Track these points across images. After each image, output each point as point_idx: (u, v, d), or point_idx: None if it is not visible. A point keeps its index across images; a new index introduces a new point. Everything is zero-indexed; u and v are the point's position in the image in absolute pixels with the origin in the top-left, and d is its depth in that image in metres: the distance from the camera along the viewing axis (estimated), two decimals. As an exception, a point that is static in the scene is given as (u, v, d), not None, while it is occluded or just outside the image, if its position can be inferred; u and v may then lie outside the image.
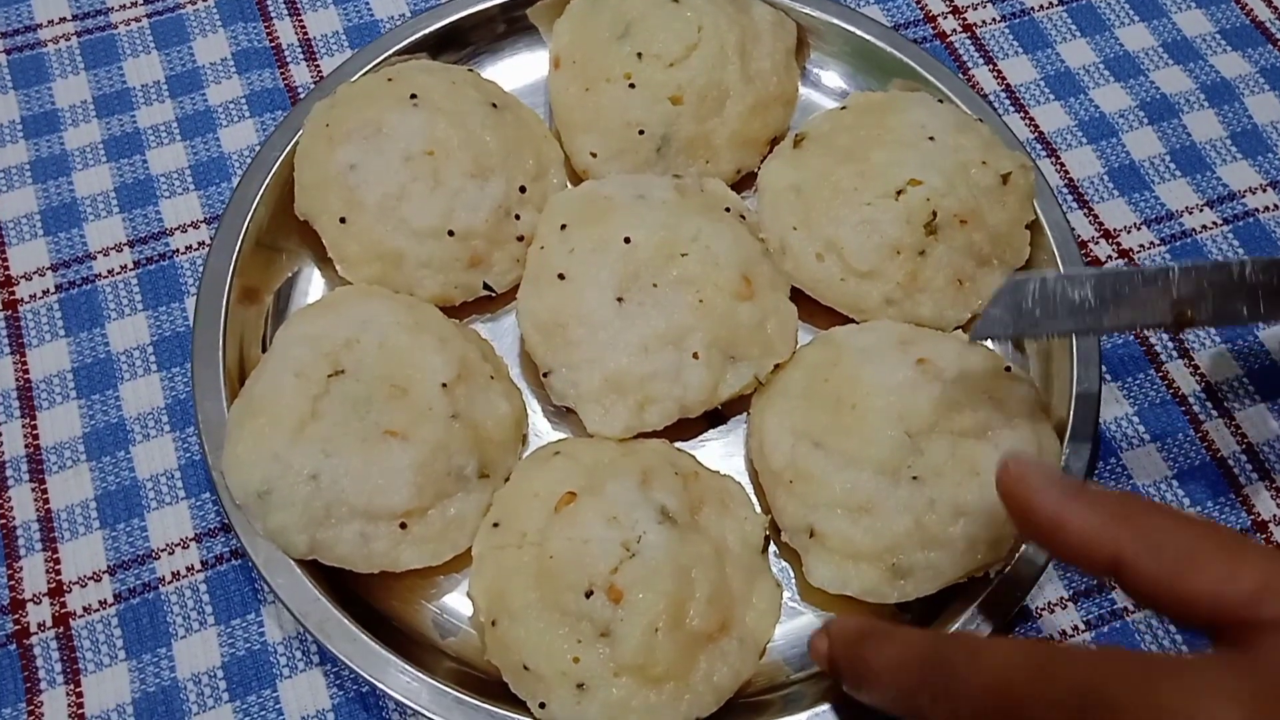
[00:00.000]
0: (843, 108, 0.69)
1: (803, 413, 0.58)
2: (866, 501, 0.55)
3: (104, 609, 0.59)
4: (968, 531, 0.55)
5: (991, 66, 0.79)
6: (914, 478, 0.55)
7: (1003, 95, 0.78)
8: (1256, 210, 0.74)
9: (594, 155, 0.68)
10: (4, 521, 0.61)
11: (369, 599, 0.59)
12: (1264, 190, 0.74)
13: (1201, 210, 0.74)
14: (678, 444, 0.62)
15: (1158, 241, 0.72)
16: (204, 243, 0.70)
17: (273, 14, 0.79)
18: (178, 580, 0.60)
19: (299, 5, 0.80)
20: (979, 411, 0.57)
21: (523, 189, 0.65)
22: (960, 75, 0.77)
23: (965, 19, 0.81)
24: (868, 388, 0.57)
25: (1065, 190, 0.74)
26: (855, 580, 0.56)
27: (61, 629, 0.59)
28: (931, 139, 0.64)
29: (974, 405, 0.57)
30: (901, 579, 0.56)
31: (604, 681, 0.52)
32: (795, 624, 0.59)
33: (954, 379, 0.57)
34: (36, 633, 0.58)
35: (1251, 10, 0.82)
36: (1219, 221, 0.73)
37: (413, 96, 0.65)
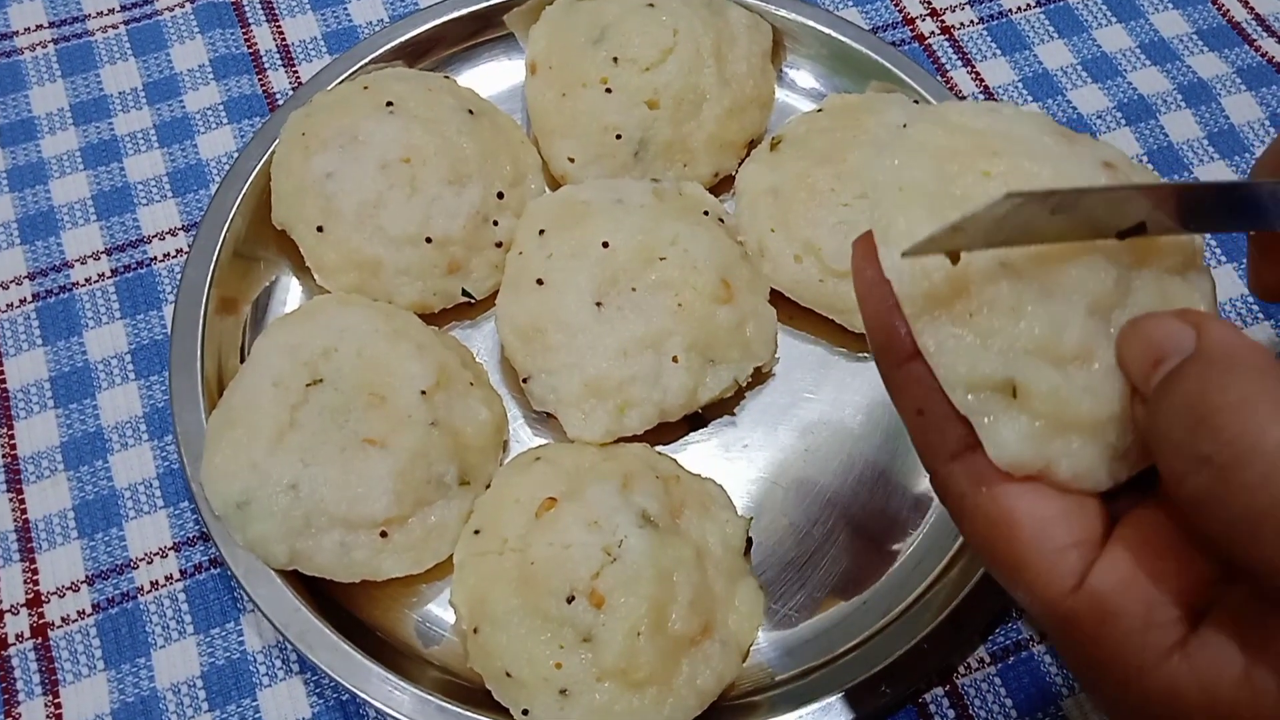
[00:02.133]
0: (819, 110, 0.70)
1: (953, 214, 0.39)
2: (1082, 347, 0.38)
3: (82, 619, 0.59)
4: None
5: (970, 68, 0.79)
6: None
7: (981, 97, 0.78)
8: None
9: (571, 160, 0.68)
10: (-19, 533, 0.61)
11: (350, 608, 0.58)
12: (1240, 189, 0.75)
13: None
14: (658, 448, 0.62)
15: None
16: (182, 250, 0.70)
17: (250, 20, 0.79)
18: (157, 590, 0.60)
19: (277, 11, 0.80)
20: (1180, 242, 0.41)
21: (500, 195, 0.65)
22: (938, 77, 0.77)
23: (943, 21, 0.81)
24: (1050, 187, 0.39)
25: (1043, 191, 0.74)
26: (1067, 458, 0.38)
27: (40, 639, 0.58)
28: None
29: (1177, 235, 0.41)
30: (1121, 457, 0.39)
31: (587, 687, 0.52)
32: (776, 627, 0.59)
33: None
34: (14, 643, 0.58)
35: (1228, 11, 0.82)
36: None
37: (389, 104, 0.65)
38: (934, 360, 0.37)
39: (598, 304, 0.60)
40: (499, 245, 0.65)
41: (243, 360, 0.63)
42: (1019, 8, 0.82)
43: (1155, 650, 0.34)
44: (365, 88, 0.67)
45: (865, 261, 0.39)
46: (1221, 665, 0.33)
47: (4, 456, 0.63)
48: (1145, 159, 0.76)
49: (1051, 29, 0.81)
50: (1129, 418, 0.38)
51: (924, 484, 0.63)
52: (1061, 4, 0.82)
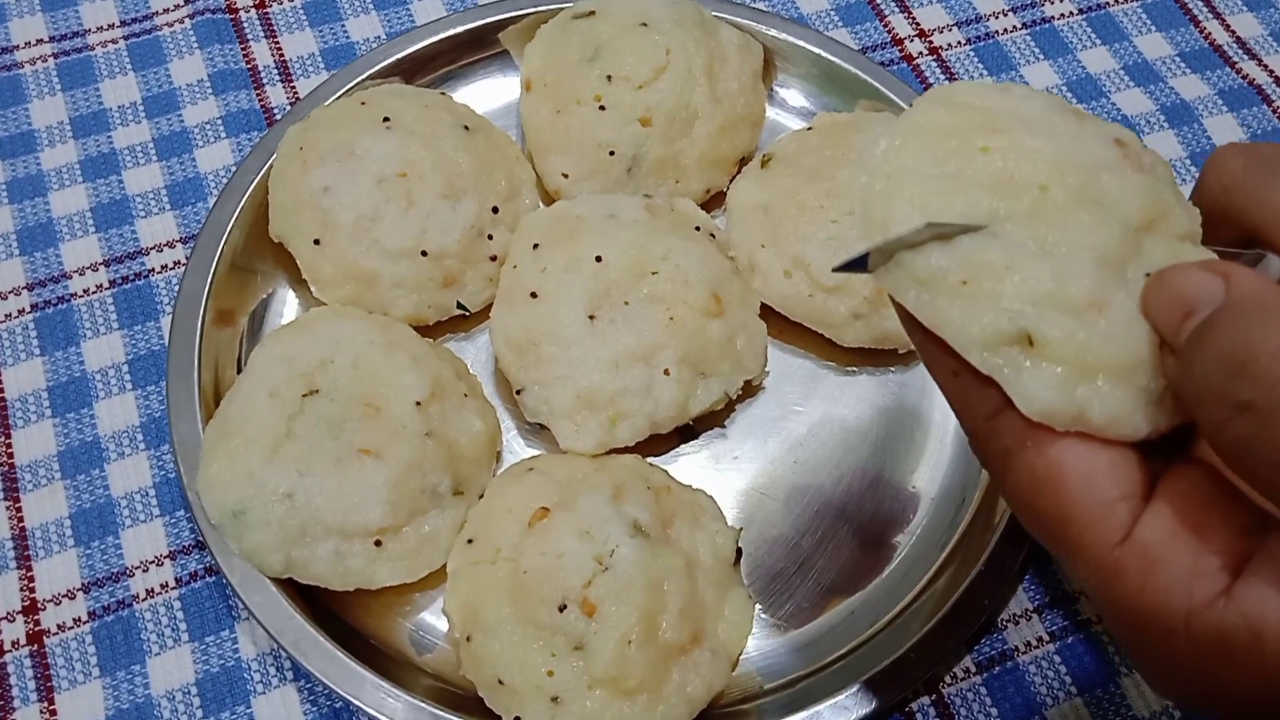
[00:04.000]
0: (809, 128, 0.71)
1: (945, 197, 0.39)
2: (1095, 296, 0.37)
3: (78, 626, 0.59)
4: None
5: (957, 88, 0.80)
6: (1147, 274, 0.38)
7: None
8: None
9: (565, 176, 0.69)
10: (-22, 541, 0.62)
11: (345, 616, 0.59)
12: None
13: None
14: (650, 459, 0.63)
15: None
16: (179, 262, 0.71)
17: (249, 36, 0.80)
18: (152, 597, 0.60)
19: (275, 28, 0.81)
20: (1191, 218, 0.41)
21: (495, 209, 0.66)
22: (926, 97, 0.79)
23: (931, 42, 0.83)
24: (1053, 166, 0.39)
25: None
26: (1098, 401, 0.37)
27: (35, 647, 0.59)
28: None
29: (1183, 210, 0.41)
30: (1158, 403, 0.38)
31: (578, 694, 0.53)
32: (765, 636, 0.60)
33: (1159, 178, 0.41)
34: (10, 650, 0.58)
35: (1210, 34, 0.84)
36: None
37: (385, 119, 0.66)
38: (943, 333, 0.38)
39: (590, 317, 0.61)
40: (493, 259, 0.66)
41: (239, 371, 0.64)
42: (1005, 30, 0.84)
43: (1202, 597, 0.34)
44: (362, 103, 0.68)
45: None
46: (1266, 608, 0.33)
47: (2, 465, 0.63)
48: (1129, 178, 0.77)
49: (1037, 50, 0.83)
50: (1159, 363, 0.37)
51: (912, 494, 0.64)
52: (1047, 26, 0.84)
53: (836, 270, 0.39)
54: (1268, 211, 0.41)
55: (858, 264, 0.38)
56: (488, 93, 0.76)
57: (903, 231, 0.37)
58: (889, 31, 0.83)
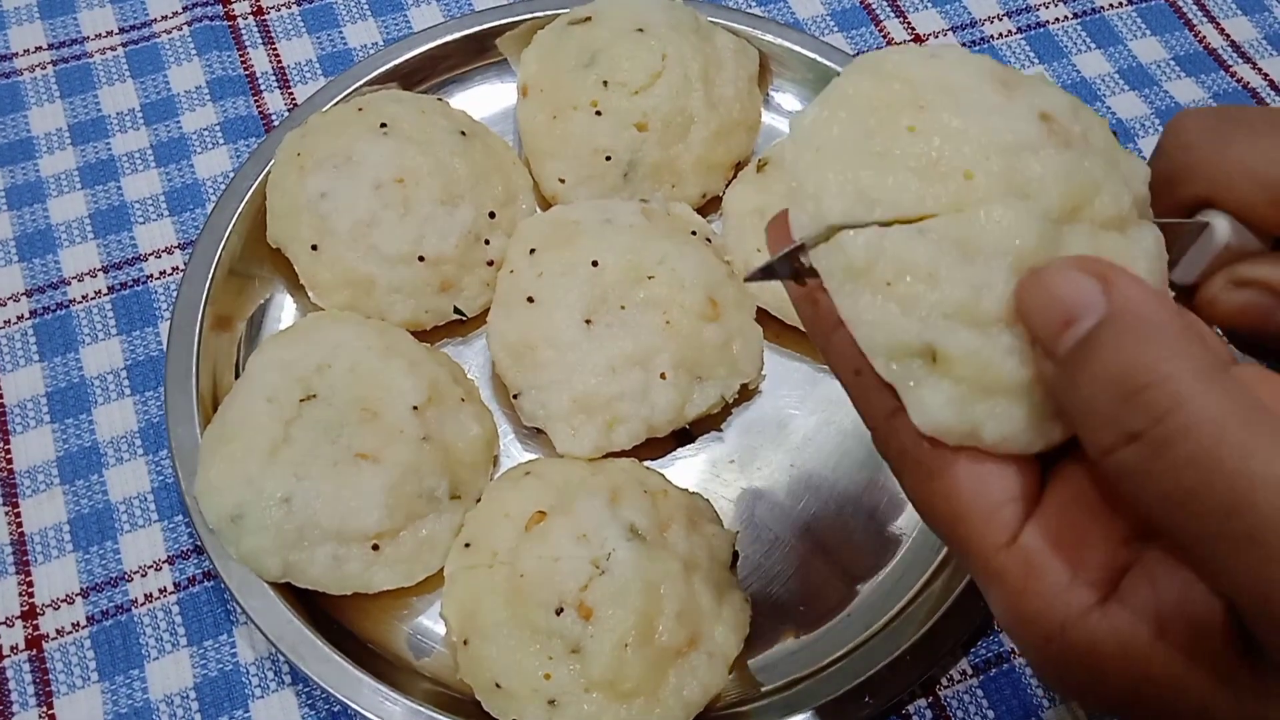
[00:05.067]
0: (805, 133, 0.71)
1: (874, 175, 0.38)
2: (1005, 311, 0.36)
3: (77, 631, 0.59)
4: None
5: (952, 92, 0.81)
6: None
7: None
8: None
9: (562, 181, 0.69)
10: (-23, 546, 0.62)
11: (342, 620, 0.59)
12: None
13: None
14: (646, 463, 0.63)
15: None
16: (178, 268, 0.71)
17: (247, 43, 0.80)
18: (150, 602, 0.60)
19: (273, 34, 0.81)
20: (1120, 195, 0.39)
21: (492, 215, 0.67)
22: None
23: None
24: (976, 149, 0.38)
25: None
26: (991, 420, 0.37)
27: (34, 652, 0.59)
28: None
29: (1114, 186, 0.39)
30: (1051, 419, 0.37)
31: (575, 698, 0.53)
32: (762, 638, 0.60)
33: (1090, 147, 0.39)
34: (9, 655, 0.59)
35: (1204, 38, 0.84)
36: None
37: (383, 125, 0.66)
38: (854, 330, 0.37)
39: (587, 321, 0.61)
40: (490, 264, 0.66)
41: (237, 376, 0.64)
42: (1000, 34, 0.84)
43: (1078, 609, 0.34)
44: (360, 109, 0.68)
45: (780, 239, 0.39)
46: (1136, 626, 0.34)
47: (1, 470, 0.64)
48: (1124, 182, 0.77)
49: (1032, 54, 0.83)
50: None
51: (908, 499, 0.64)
52: (1041, 30, 0.84)
53: (747, 281, 0.38)
54: (1220, 171, 0.41)
55: (785, 261, 0.38)
56: (485, 98, 0.76)
57: (835, 206, 0.37)
58: (884, 37, 0.83)
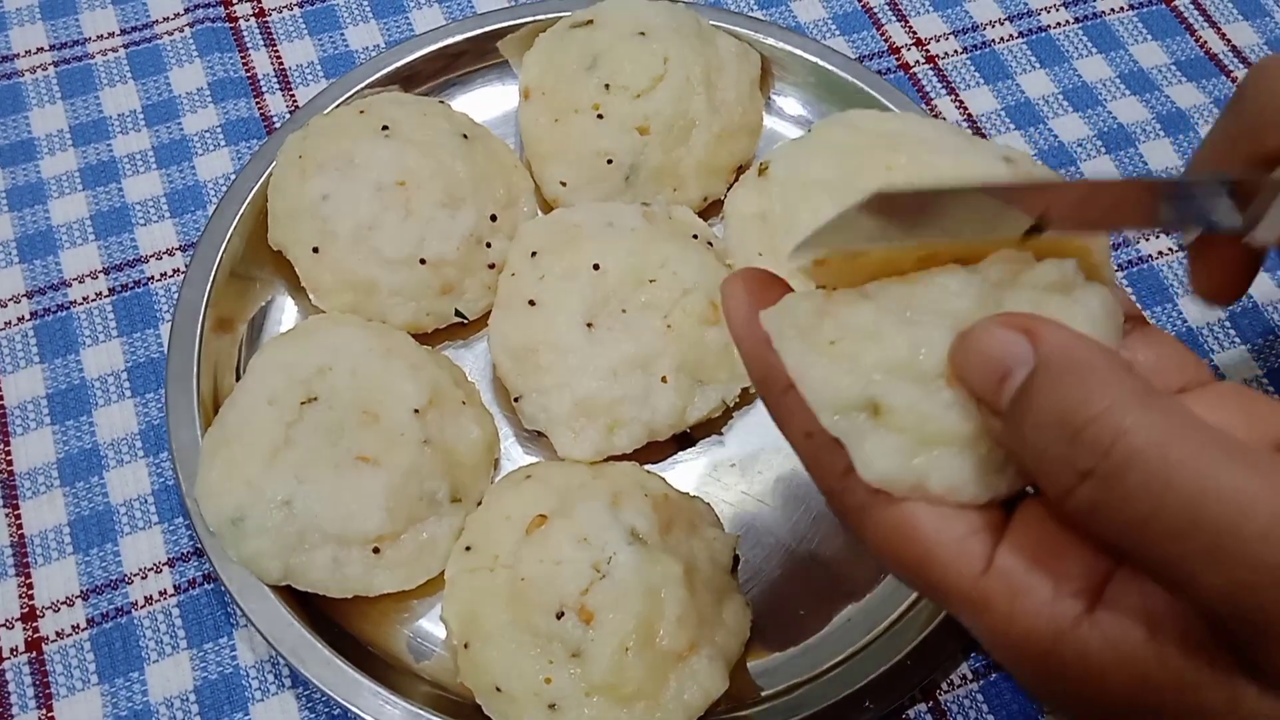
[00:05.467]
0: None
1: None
2: (943, 369, 0.37)
3: (77, 634, 0.59)
4: None
5: (953, 97, 0.81)
6: None
7: (964, 125, 0.80)
8: (1210, 236, 0.75)
9: (564, 184, 0.69)
10: (-23, 548, 0.62)
11: (343, 623, 0.59)
12: (1217, 217, 0.76)
13: (1157, 236, 0.75)
14: (647, 466, 0.63)
15: (1115, 266, 0.74)
16: (179, 270, 0.71)
17: (249, 45, 0.80)
18: (150, 605, 0.60)
19: (275, 36, 0.81)
20: (1062, 260, 0.39)
21: (494, 218, 0.67)
22: (923, 105, 0.79)
23: (928, 50, 0.83)
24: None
25: (1025, 217, 0.76)
26: (935, 471, 0.37)
27: (34, 654, 0.59)
28: (890, 167, 0.65)
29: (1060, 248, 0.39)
30: (998, 471, 0.38)
31: (576, 702, 0.53)
32: (763, 643, 0.60)
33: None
34: (9, 658, 0.59)
35: (1205, 43, 0.84)
36: (1174, 248, 0.75)
37: (384, 128, 0.66)
38: (801, 388, 0.38)
39: (588, 325, 0.61)
40: (492, 267, 0.66)
41: (238, 378, 0.64)
42: (1002, 39, 0.84)
43: (1068, 619, 0.34)
44: (361, 112, 0.68)
45: (735, 302, 0.40)
46: (1130, 627, 0.34)
47: (1, 472, 0.64)
48: (1125, 186, 0.77)
49: (1033, 59, 0.83)
50: None
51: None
52: (1043, 35, 0.84)
53: (793, 256, 0.37)
54: None
55: (813, 243, 0.37)
56: (486, 101, 0.76)
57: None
58: (886, 41, 0.83)
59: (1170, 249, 0.75)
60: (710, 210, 0.72)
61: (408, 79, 0.75)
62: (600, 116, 0.68)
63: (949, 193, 0.35)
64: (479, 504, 0.60)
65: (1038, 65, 0.83)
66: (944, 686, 0.59)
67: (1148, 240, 0.75)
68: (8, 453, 0.64)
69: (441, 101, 0.73)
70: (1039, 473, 0.34)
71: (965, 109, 0.80)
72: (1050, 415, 0.33)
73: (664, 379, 0.61)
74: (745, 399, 0.65)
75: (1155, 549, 0.31)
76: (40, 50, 0.80)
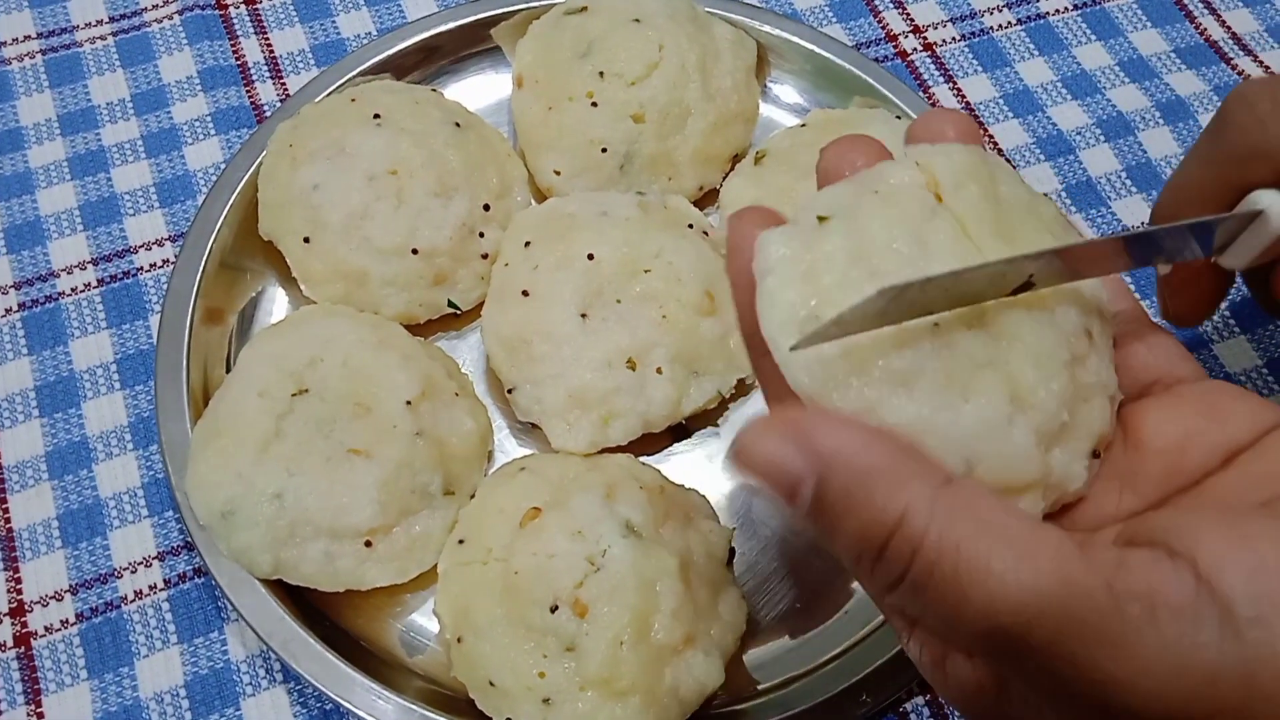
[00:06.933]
0: (803, 125, 0.70)
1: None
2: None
3: (66, 628, 0.59)
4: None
5: (952, 85, 0.80)
6: None
7: (963, 112, 0.79)
8: (1210, 225, 0.75)
9: (558, 173, 0.68)
10: (-35, 542, 0.61)
11: (335, 617, 0.59)
12: (1217, 205, 0.76)
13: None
14: (642, 458, 0.62)
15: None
16: (168, 260, 0.70)
17: (239, 32, 0.79)
18: (140, 599, 0.60)
19: (265, 24, 0.80)
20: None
21: (486, 207, 0.66)
22: (921, 93, 0.78)
23: (926, 38, 0.82)
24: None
25: (1024, 206, 0.75)
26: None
27: (23, 649, 0.58)
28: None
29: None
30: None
31: (570, 696, 0.52)
32: (759, 636, 0.60)
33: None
34: (-3, 654, 0.58)
35: (1205, 30, 0.84)
36: None
37: (376, 116, 0.65)
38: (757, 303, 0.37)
39: (583, 315, 0.61)
40: (485, 257, 0.66)
41: (228, 370, 0.63)
42: (1000, 26, 0.83)
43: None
44: (353, 100, 0.67)
45: (743, 243, 0.39)
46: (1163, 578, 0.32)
47: (-12, 466, 0.63)
48: (1125, 174, 0.77)
49: (1032, 46, 0.82)
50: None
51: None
52: (1042, 22, 0.84)
53: (795, 349, 0.35)
54: None
55: (812, 339, 0.35)
56: (479, 89, 0.76)
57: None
58: (883, 27, 0.83)
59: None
60: (706, 199, 0.71)
61: (400, 67, 0.74)
62: (594, 104, 0.67)
63: (949, 276, 0.35)
64: (472, 497, 0.60)
65: (1036, 53, 0.82)
66: (942, 680, 0.59)
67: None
68: (-5, 446, 0.64)
69: (434, 90, 0.72)
70: (854, 575, 0.36)
71: (963, 97, 0.80)
72: (850, 538, 0.33)
73: (659, 370, 0.60)
74: (741, 390, 0.65)
75: (976, 639, 0.33)
76: (28, 38, 0.79)
